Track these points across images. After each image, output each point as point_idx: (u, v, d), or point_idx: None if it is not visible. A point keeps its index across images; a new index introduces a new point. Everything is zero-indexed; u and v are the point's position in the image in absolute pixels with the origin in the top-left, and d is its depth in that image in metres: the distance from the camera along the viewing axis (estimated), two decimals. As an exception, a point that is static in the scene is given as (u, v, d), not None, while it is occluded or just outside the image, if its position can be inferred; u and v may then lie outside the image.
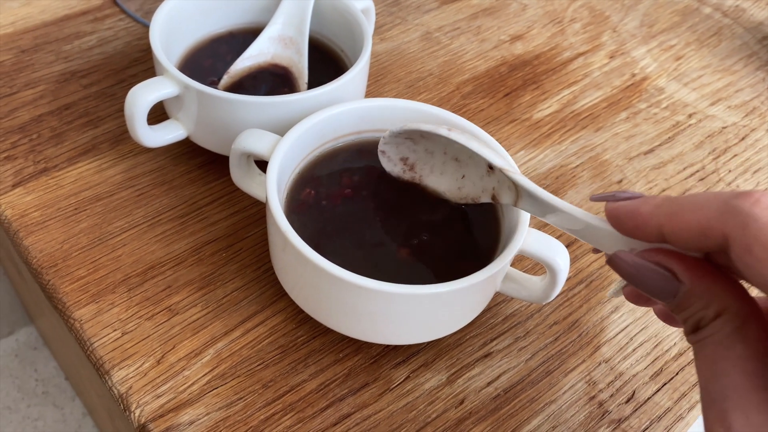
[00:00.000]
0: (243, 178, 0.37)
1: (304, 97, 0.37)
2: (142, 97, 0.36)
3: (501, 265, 0.31)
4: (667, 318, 0.29)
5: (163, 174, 0.41)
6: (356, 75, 0.39)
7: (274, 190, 0.32)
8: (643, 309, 0.38)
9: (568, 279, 0.39)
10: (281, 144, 0.34)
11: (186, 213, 0.39)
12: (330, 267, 0.29)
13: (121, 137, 0.42)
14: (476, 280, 0.30)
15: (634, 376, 0.36)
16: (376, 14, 0.54)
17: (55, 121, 0.43)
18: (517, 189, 0.31)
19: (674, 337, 0.37)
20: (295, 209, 0.34)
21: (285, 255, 0.32)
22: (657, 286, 0.23)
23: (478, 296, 0.32)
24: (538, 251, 0.32)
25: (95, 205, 0.39)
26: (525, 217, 0.32)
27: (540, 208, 0.30)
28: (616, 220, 0.25)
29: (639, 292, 0.26)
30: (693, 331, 0.22)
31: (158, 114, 0.42)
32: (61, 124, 0.43)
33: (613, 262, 0.24)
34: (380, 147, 0.35)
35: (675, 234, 0.22)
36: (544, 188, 0.44)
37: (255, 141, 0.34)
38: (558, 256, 0.32)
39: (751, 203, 0.20)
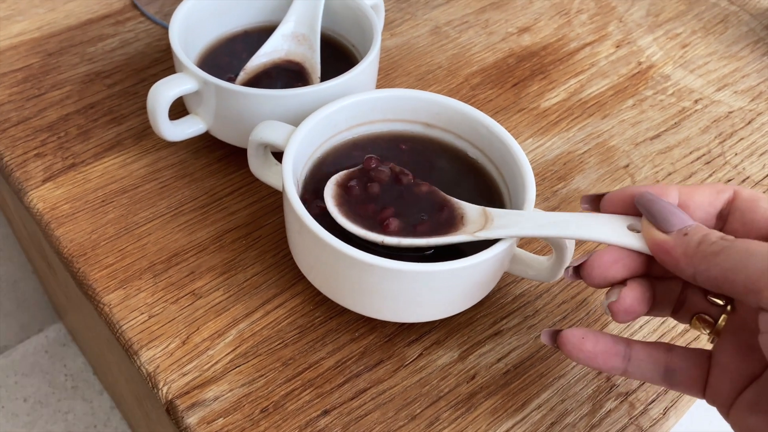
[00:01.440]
0: (260, 168, 0.38)
1: (317, 89, 0.39)
2: (163, 92, 0.38)
3: (508, 243, 0.32)
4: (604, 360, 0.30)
5: (185, 167, 0.43)
6: (366, 68, 0.41)
7: (290, 177, 0.33)
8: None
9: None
10: (296, 134, 0.35)
11: (207, 203, 0.41)
12: (344, 247, 0.31)
13: (144, 133, 0.44)
14: (485, 257, 0.31)
15: (640, 351, 0.37)
16: (386, 10, 0.56)
17: (82, 120, 0.45)
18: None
19: (680, 314, 0.38)
20: (311, 196, 0.36)
21: (302, 238, 0.33)
22: (677, 213, 0.28)
23: (488, 274, 0.34)
24: (542, 231, 0.33)
25: (121, 197, 0.41)
26: (530, 198, 0.34)
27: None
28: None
29: (592, 334, 0.30)
30: (721, 239, 0.26)
31: (179, 110, 0.44)
32: (87, 122, 0.45)
33: (644, 196, 0.29)
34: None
35: (692, 192, 0.30)
36: (552, 174, 0.45)
37: (271, 132, 0.36)
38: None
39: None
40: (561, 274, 0.35)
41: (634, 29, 0.57)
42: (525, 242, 0.40)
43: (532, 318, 0.38)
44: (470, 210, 0.34)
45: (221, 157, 0.43)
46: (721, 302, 0.29)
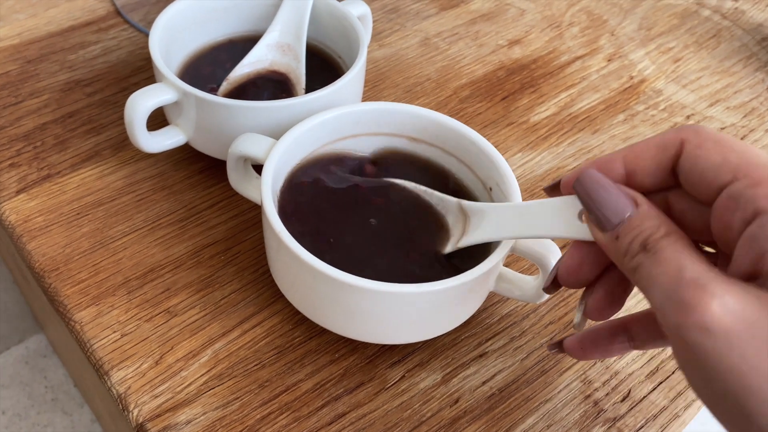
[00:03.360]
0: (240, 182, 0.37)
1: (300, 101, 0.38)
2: (141, 103, 0.37)
3: (493, 262, 0.31)
4: (587, 349, 0.30)
5: (164, 179, 0.42)
6: (351, 80, 0.40)
7: (269, 192, 0.32)
8: (639, 308, 0.38)
9: (564, 279, 0.39)
10: (276, 147, 0.34)
11: (185, 217, 0.40)
12: (323, 267, 0.30)
13: (123, 144, 0.43)
14: (469, 278, 0.30)
15: (629, 374, 0.36)
16: (375, 21, 0.55)
17: (59, 129, 0.44)
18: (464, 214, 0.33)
19: (670, 336, 0.37)
20: (290, 211, 0.35)
21: (280, 256, 0.32)
22: (614, 203, 0.24)
23: (472, 295, 0.33)
24: (529, 249, 0.32)
25: (97, 210, 0.40)
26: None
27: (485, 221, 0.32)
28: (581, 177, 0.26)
29: (589, 341, 0.30)
30: (642, 250, 0.23)
31: (159, 120, 0.43)
32: (64, 132, 0.44)
33: (581, 180, 0.25)
34: None
35: (638, 157, 0.25)
36: (541, 190, 0.44)
37: (251, 144, 0.35)
38: (550, 254, 0.32)
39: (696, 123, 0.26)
40: (548, 295, 0.34)
41: (626, 43, 0.56)
42: (511, 260, 0.39)
43: (519, 339, 0.36)
44: (452, 213, 0.34)
45: (201, 170, 0.42)
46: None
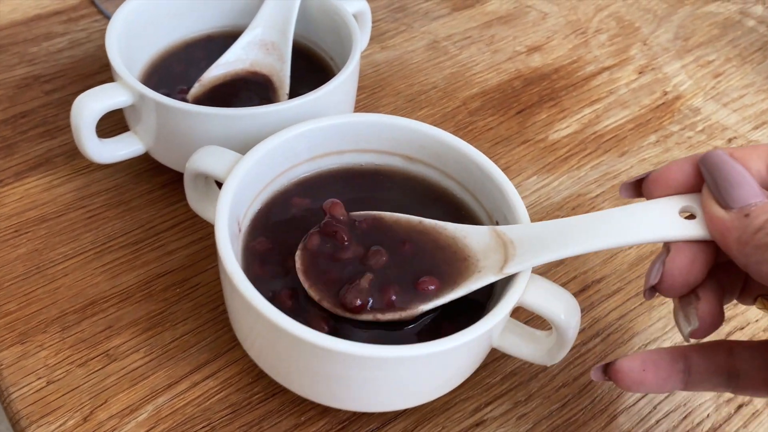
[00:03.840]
0: (200, 202, 0.32)
1: (277, 109, 0.32)
2: (88, 105, 0.32)
3: (493, 322, 0.25)
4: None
5: (121, 193, 0.36)
6: (339, 85, 0.34)
7: (224, 219, 0.26)
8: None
9: (582, 331, 0.33)
10: (240, 165, 0.29)
11: (140, 239, 0.34)
12: (286, 322, 0.24)
13: (79, 151, 0.38)
14: (462, 340, 0.24)
15: (657, 455, 0.29)
16: (379, 20, 0.49)
17: (8, 131, 0.38)
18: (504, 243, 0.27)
19: (707, 407, 0.31)
20: (253, 246, 0.29)
21: (233, 302, 0.26)
22: (742, 179, 0.23)
23: (466, 358, 0.27)
24: (540, 304, 0.26)
25: (39, 227, 0.34)
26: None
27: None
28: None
29: (652, 362, 0.25)
30: None
31: (123, 125, 0.37)
32: (14, 134, 0.38)
33: (709, 156, 0.24)
34: None
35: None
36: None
37: (211, 160, 0.29)
38: (565, 311, 0.26)
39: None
40: (562, 356, 0.28)
41: (660, 54, 0.50)
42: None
43: (524, 405, 0.30)
44: (475, 238, 0.28)
45: (165, 184, 0.37)
46: None
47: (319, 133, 0.31)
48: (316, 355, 0.24)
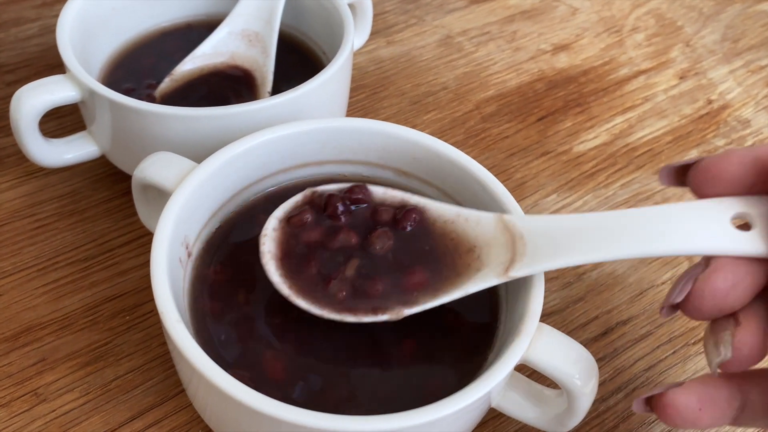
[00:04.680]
0: (153, 217, 0.27)
1: (252, 109, 0.28)
2: (28, 101, 0.27)
3: (490, 385, 0.20)
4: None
5: (75, 201, 0.32)
6: (326, 82, 0.29)
7: (164, 243, 0.22)
8: (709, 439, 0.27)
9: (602, 384, 0.28)
10: (193, 175, 0.24)
11: (91, 255, 0.30)
12: (236, 389, 0.19)
13: (35, 150, 0.33)
14: (451, 409, 0.19)
15: None
16: (387, 12, 0.44)
17: (-41, 126, 0.34)
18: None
19: (753, 485, 0.26)
20: (206, 275, 0.24)
21: (170, 348, 0.22)
22: None
23: (457, 427, 0.22)
24: (548, 364, 0.21)
25: (-22, 237, 0.30)
26: (534, 305, 0.21)
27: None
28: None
29: (709, 398, 0.20)
30: None
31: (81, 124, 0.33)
32: (-35, 130, 0.34)
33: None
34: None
35: None
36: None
37: (160, 168, 0.24)
38: (579, 373, 0.21)
39: None
40: (574, 425, 0.22)
41: (704, 57, 0.44)
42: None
43: (528, 476, 0.25)
44: (482, 230, 0.23)
45: (126, 191, 0.32)
46: None
47: (294, 139, 0.26)
48: (269, 426, 0.19)
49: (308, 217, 0.24)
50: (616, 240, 0.20)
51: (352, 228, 0.24)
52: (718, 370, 0.20)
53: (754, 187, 0.20)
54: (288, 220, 0.24)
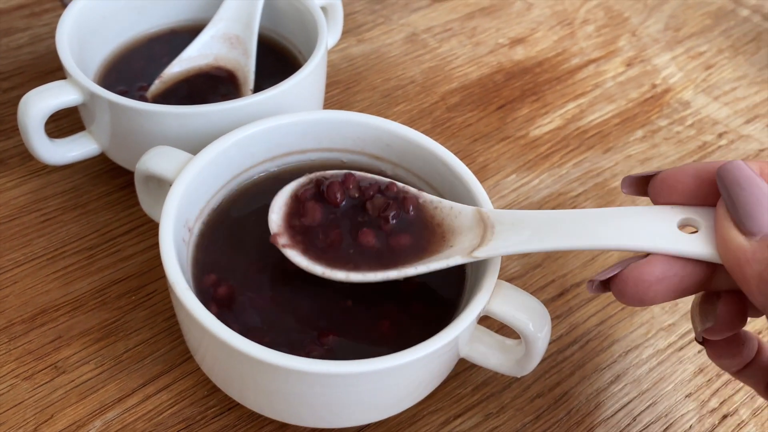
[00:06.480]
0: (154, 206, 0.30)
1: (237, 105, 0.31)
2: (36, 104, 0.30)
3: (456, 332, 0.23)
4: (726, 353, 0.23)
5: (77, 196, 0.34)
6: (304, 80, 0.32)
7: (169, 225, 0.25)
8: (651, 379, 0.30)
9: (559, 338, 0.32)
10: (191, 165, 0.27)
11: (96, 244, 0.33)
12: (235, 340, 0.22)
13: (36, 151, 0.36)
14: (424, 352, 0.23)
15: (636, 469, 0.28)
16: (356, 12, 0.48)
17: (-38, 131, 0.37)
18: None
19: (690, 417, 0.29)
20: (206, 255, 0.27)
21: (180, 314, 0.25)
22: None
23: (431, 370, 0.25)
24: (507, 313, 0.24)
25: (-11, 232, 0.33)
26: (493, 266, 0.25)
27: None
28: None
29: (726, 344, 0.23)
30: None
31: (79, 124, 0.35)
32: (-32, 134, 0.37)
33: (729, 171, 0.20)
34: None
35: None
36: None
37: (160, 160, 0.28)
38: (533, 320, 0.24)
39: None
40: (532, 368, 0.26)
41: (649, 45, 0.48)
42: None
43: (496, 417, 0.29)
44: (460, 215, 0.26)
45: (124, 185, 0.35)
46: None
47: (278, 131, 0.30)
48: (269, 373, 0.23)
49: (312, 192, 0.27)
50: (576, 234, 0.23)
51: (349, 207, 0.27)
52: (703, 336, 0.22)
53: (706, 198, 0.21)
54: (294, 196, 0.27)
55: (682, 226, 0.22)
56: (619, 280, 0.22)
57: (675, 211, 0.22)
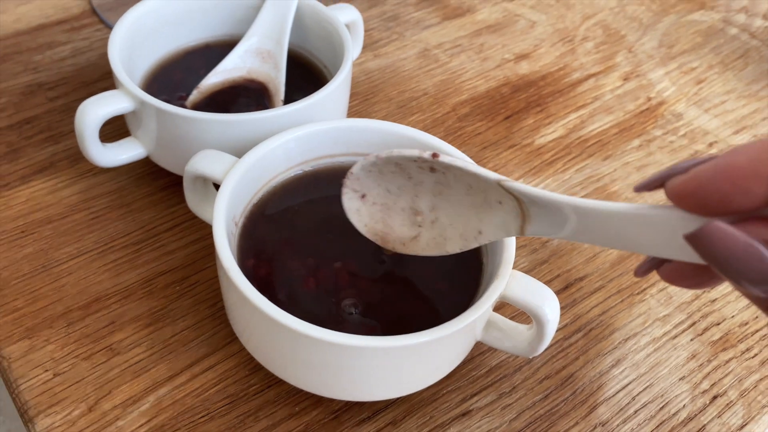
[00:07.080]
0: (199, 204, 0.33)
1: (272, 115, 0.34)
2: (92, 112, 0.33)
3: (477, 314, 0.26)
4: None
5: (122, 196, 0.38)
6: (332, 93, 0.35)
7: (221, 218, 0.28)
8: (648, 364, 0.34)
9: (565, 326, 0.35)
10: (237, 167, 0.30)
11: (142, 239, 0.36)
12: (280, 316, 0.25)
13: (82, 155, 0.39)
14: (448, 331, 0.26)
15: (635, 442, 0.31)
16: (372, 29, 0.51)
17: (14, 136, 0.40)
18: (520, 206, 0.25)
19: (683, 398, 0.33)
20: (248, 244, 0.30)
21: (230, 296, 0.28)
22: (756, 268, 0.17)
23: (453, 349, 0.28)
24: (521, 298, 0.28)
25: (44, 228, 0.36)
26: (508, 256, 0.28)
27: (554, 219, 0.24)
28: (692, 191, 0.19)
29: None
30: None
31: (123, 130, 0.39)
32: (19, 139, 0.40)
33: (704, 237, 0.18)
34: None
35: None
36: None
37: (209, 163, 0.31)
38: (545, 304, 0.27)
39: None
40: (542, 349, 0.29)
41: (644, 61, 0.52)
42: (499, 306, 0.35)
43: (508, 396, 0.32)
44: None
45: (165, 186, 0.38)
46: None
47: (311, 137, 0.33)
48: (308, 346, 0.26)
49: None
50: (579, 229, 0.23)
51: None
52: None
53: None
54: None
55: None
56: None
57: (685, 219, 0.20)
